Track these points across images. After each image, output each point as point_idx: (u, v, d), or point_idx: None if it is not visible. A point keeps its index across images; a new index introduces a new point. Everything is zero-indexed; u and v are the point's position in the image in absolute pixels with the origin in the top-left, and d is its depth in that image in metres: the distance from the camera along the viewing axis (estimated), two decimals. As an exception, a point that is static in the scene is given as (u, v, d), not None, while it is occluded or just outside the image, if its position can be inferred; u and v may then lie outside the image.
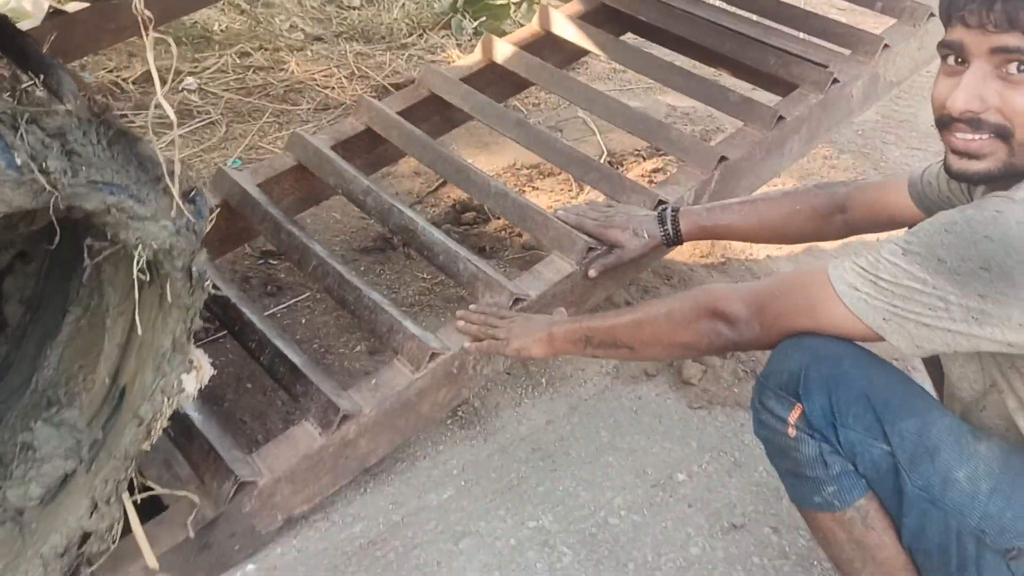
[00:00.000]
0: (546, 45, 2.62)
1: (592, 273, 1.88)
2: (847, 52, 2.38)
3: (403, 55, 3.57)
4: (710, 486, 1.86)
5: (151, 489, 1.52)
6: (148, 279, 1.32)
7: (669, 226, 1.84)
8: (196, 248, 1.31)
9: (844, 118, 2.34)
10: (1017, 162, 1.20)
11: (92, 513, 1.37)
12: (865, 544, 1.32)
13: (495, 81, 2.51)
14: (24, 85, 1.28)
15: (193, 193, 1.35)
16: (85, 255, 1.40)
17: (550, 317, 1.72)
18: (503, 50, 2.48)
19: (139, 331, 1.36)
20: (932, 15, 2.38)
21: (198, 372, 1.45)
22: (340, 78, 3.32)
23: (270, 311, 2.24)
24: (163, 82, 3.10)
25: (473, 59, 2.53)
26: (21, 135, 1.14)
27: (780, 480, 1.44)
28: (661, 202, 1.96)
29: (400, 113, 2.31)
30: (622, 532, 1.74)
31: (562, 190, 2.89)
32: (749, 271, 2.58)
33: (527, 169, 3.00)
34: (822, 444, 1.29)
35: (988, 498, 1.21)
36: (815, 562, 1.69)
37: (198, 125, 2.92)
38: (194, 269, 1.32)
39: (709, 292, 1.42)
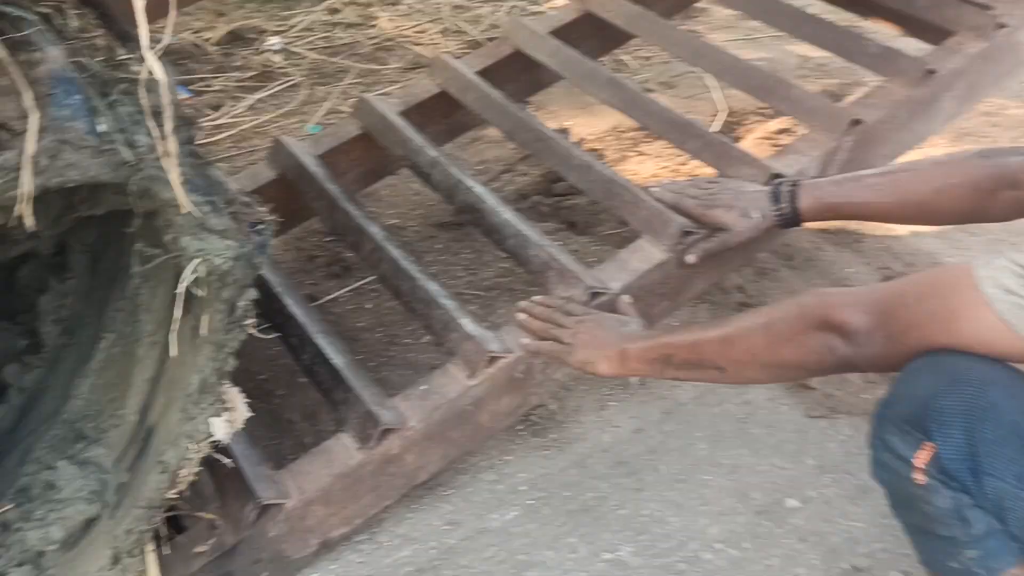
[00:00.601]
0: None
1: (690, 259, 1.58)
2: (1016, -11, 1.96)
3: (503, 6, 3.29)
4: (828, 516, 1.57)
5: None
6: (186, 307, 1.19)
7: (786, 203, 1.52)
8: (248, 283, 1.19)
9: (1012, 71, 1.93)
10: None
11: (114, 565, 1.26)
12: None
13: (591, 34, 2.21)
14: (122, 57, 1.18)
15: (261, 226, 1.23)
16: (132, 262, 1.31)
17: (624, 322, 1.44)
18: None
19: (172, 351, 1.22)
20: None
21: (231, 413, 1.29)
22: (433, 34, 3.09)
23: (332, 295, 2.04)
24: (247, 42, 2.95)
25: (567, 9, 2.23)
26: (111, 103, 1.07)
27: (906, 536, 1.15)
28: (776, 175, 1.64)
29: (479, 73, 2.05)
30: (717, 570, 1.47)
31: (670, 155, 2.57)
32: (889, 251, 2.20)
33: (632, 132, 2.69)
34: (960, 495, 1.05)
35: None
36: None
37: (278, 89, 2.75)
38: (239, 305, 1.20)
39: (820, 297, 1.15)
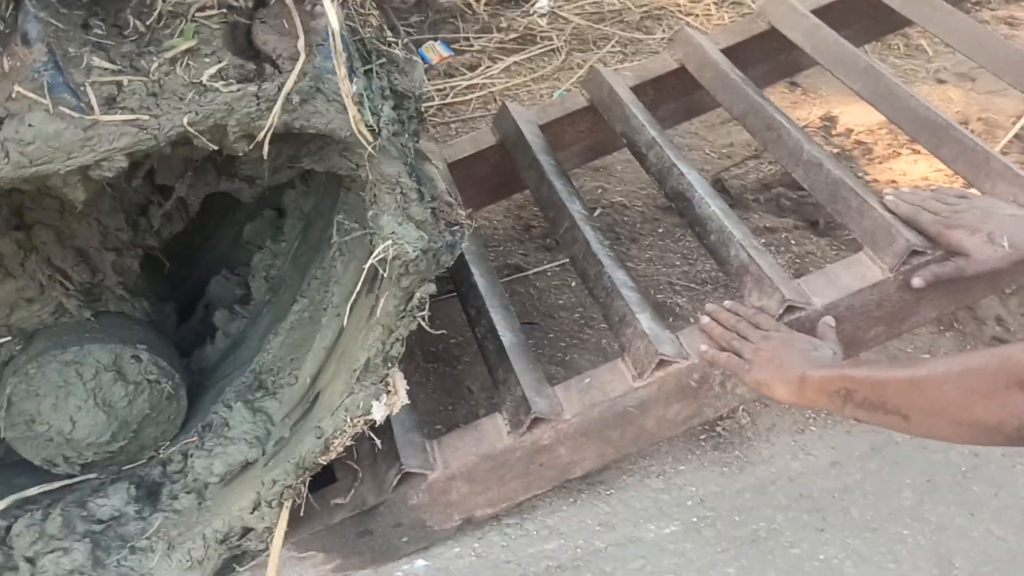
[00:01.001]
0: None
1: (917, 283, 1.37)
2: None
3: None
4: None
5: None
6: (368, 287, 1.28)
7: None
8: (429, 277, 1.24)
9: None
10: None
11: (255, 510, 1.32)
12: None
13: (862, 15, 1.97)
14: (389, 39, 1.28)
15: (456, 228, 1.26)
16: (334, 232, 1.39)
17: (816, 346, 1.27)
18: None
19: (343, 321, 1.30)
20: None
21: (390, 397, 1.32)
22: (708, 4, 2.92)
23: (541, 268, 2.00)
24: (516, 4, 2.96)
25: (839, -16, 2.00)
26: (367, 70, 1.16)
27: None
28: (1043, 197, 1.37)
29: (724, 51, 1.90)
30: None
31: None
32: None
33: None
34: None
35: None
36: None
37: (537, 52, 2.73)
38: (416, 295, 1.24)
39: None
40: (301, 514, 1.34)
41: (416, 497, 1.37)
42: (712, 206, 1.53)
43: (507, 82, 2.61)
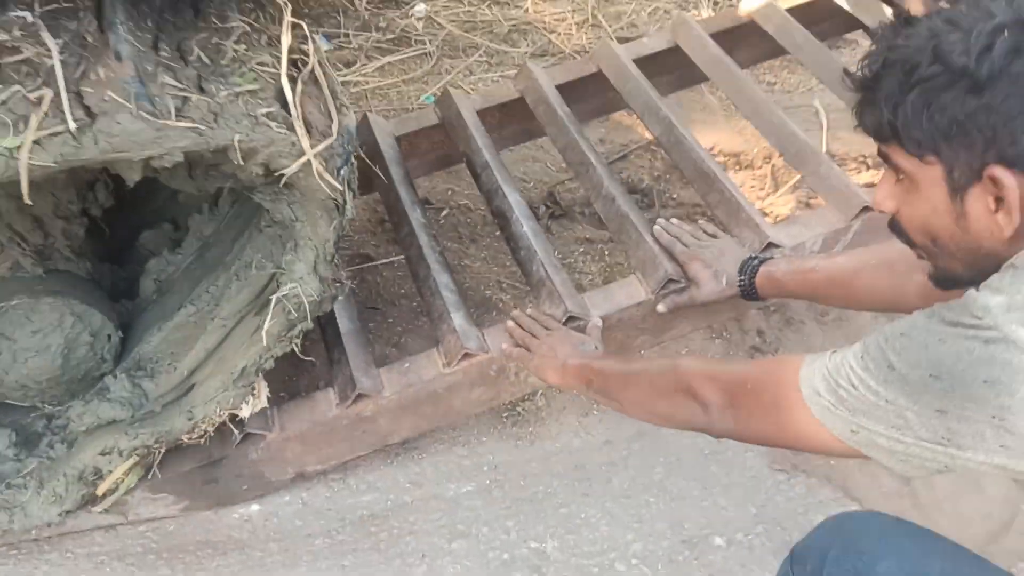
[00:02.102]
0: (827, 11, 2.37)
1: (661, 309, 1.73)
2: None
3: (650, 7, 3.39)
4: (746, 562, 1.70)
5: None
6: (258, 310, 1.57)
7: (746, 277, 1.64)
8: (308, 320, 1.52)
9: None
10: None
11: (106, 453, 1.58)
12: None
13: (675, 66, 2.32)
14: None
15: (338, 285, 1.58)
16: (235, 261, 1.64)
17: (583, 342, 1.62)
18: (763, 10, 2.29)
19: (264, 341, 1.53)
20: None
21: (255, 400, 1.61)
22: (571, 23, 3.24)
23: (389, 259, 2.30)
24: (397, 4, 3.21)
25: (657, 38, 2.35)
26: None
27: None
28: (771, 244, 1.74)
29: (560, 86, 2.22)
30: None
31: (752, 187, 2.65)
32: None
33: (726, 157, 2.77)
34: None
35: None
36: None
37: (412, 54, 3.00)
38: (298, 327, 1.52)
39: (687, 367, 1.30)
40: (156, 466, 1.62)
41: (255, 453, 1.67)
42: (524, 227, 1.86)
43: (380, 81, 2.87)
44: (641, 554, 1.70)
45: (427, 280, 1.81)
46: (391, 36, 3.05)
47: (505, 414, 1.97)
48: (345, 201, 1.42)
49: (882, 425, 1.00)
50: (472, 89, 2.85)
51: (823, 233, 1.78)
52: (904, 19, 1.01)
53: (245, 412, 1.60)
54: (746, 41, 2.34)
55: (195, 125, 1.23)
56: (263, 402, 1.62)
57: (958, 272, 1.07)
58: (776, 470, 1.88)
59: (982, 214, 0.98)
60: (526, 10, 3.29)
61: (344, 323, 1.76)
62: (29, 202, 1.22)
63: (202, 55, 1.31)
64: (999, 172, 0.94)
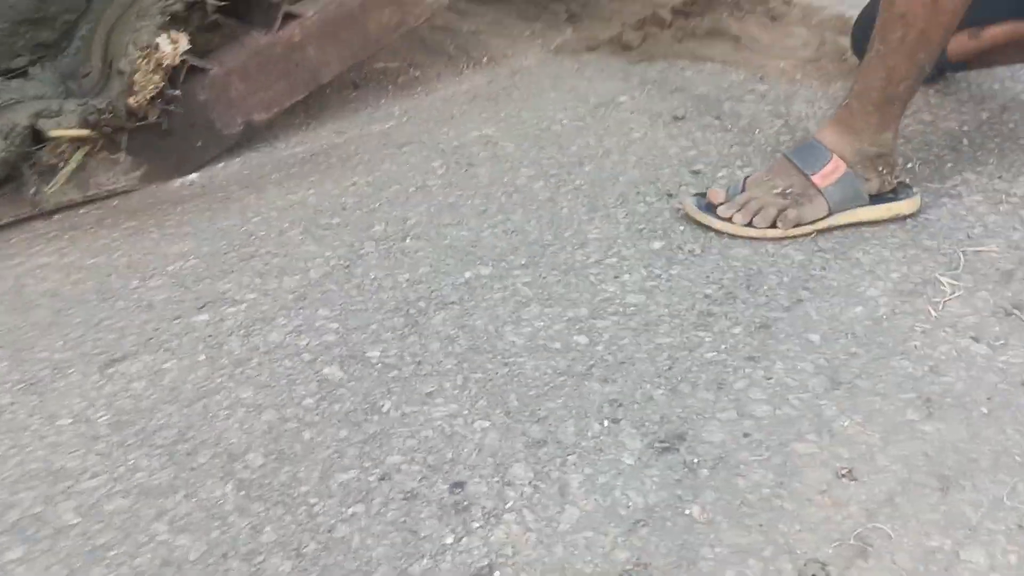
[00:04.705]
0: None
1: None
2: None
3: None
4: (652, 101, 1.92)
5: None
6: None
7: None
8: None
9: None
10: None
11: (40, 116, 1.53)
12: None
13: None
14: None
15: None
16: None
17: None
18: None
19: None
20: None
21: (176, 46, 1.56)
22: None
23: None
24: None
25: None
26: None
27: None
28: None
29: None
30: (564, 133, 1.80)
31: None
32: None
33: None
34: None
35: None
36: (756, 131, 1.78)
37: None
38: None
39: None
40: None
41: (203, 94, 1.65)
42: None
43: None
44: (568, 118, 1.84)
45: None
46: None
47: (390, 86, 2.05)
48: None
49: None
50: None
51: None
52: None
53: (167, 47, 1.56)
54: None
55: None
56: (184, 45, 1.59)
57: None
58: (636, 63, 2.15)
59: None
60: None
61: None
62: None
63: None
64: None
